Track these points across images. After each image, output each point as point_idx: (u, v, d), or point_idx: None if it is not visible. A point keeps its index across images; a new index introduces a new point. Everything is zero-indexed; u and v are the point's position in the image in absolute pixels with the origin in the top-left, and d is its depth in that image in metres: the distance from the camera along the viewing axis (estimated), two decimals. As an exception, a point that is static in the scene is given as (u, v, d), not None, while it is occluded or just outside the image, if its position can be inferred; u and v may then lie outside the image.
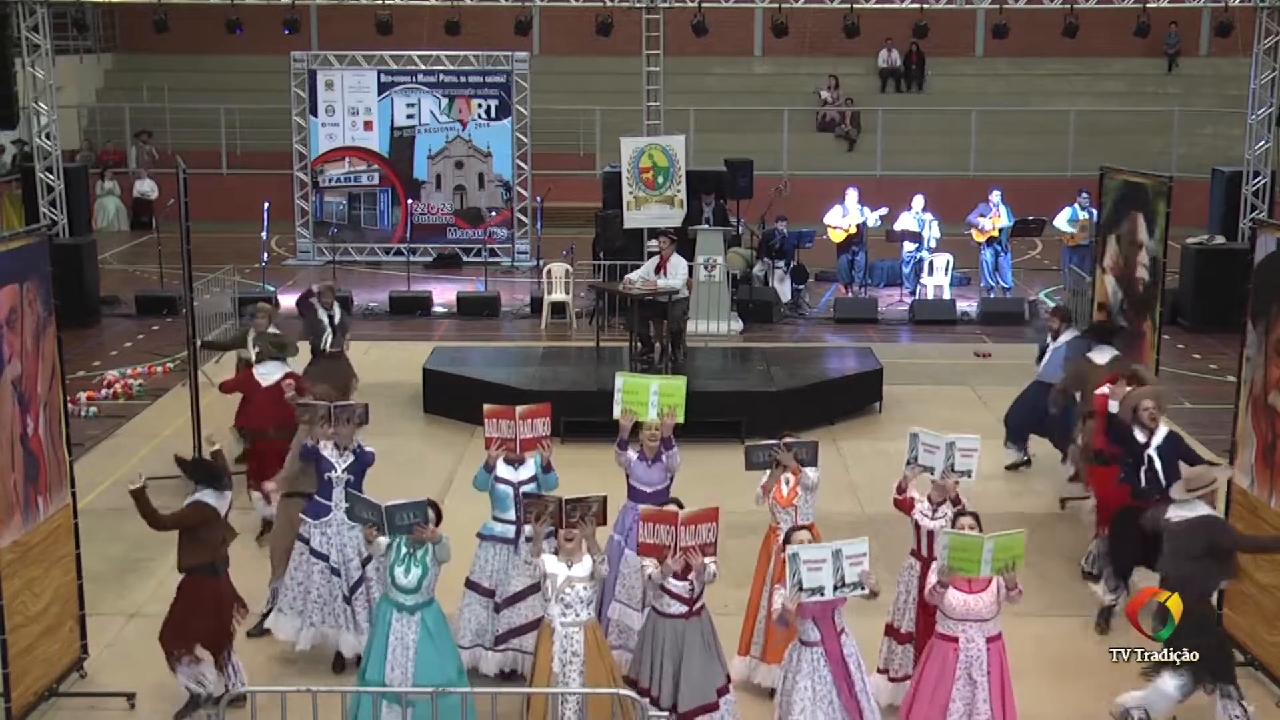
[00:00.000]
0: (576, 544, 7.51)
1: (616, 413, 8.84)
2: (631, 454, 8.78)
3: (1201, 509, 8.17)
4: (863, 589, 7.21)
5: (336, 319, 13.16)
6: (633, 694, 7.28)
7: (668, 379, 9.00)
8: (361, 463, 9.10)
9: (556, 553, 7.62)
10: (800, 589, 7.16)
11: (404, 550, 7.69)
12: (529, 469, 8.77)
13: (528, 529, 8.17)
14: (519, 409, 8.72)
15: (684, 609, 7.56)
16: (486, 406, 8.90)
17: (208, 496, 8.32)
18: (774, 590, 7.64)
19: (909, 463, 8.50)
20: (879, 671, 8.50)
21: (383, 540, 7.73)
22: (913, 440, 8.57)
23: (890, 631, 8.51)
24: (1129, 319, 11.85)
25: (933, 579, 7.43)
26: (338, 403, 9.28)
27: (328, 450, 9.05)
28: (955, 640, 7.38)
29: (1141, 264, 11.64)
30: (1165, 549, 8.21)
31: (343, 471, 9.00)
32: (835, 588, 7.17)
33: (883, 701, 8.35)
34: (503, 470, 8.75)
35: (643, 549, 7.68)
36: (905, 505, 8.35)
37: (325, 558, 9.01)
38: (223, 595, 8.40)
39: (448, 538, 7.76)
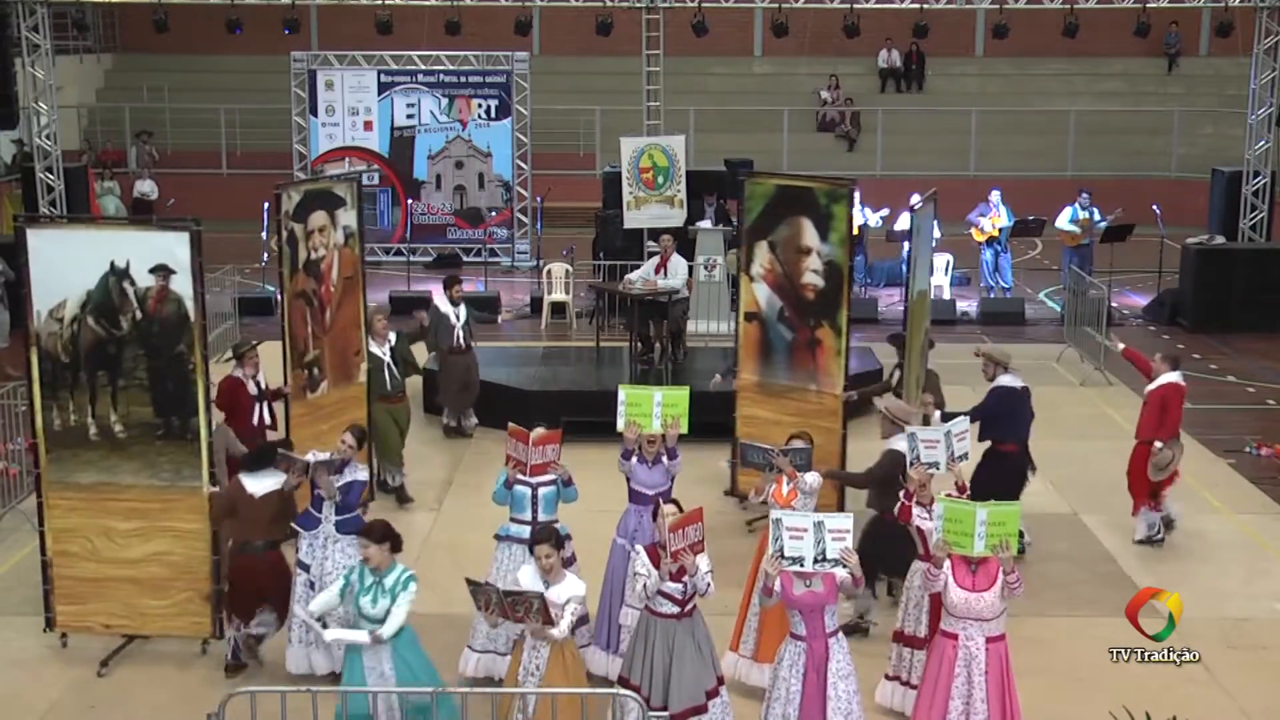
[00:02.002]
0: (555, 565, 7.40)
1: (620, 425, 8.85)
2: (633, 458, 8.80)
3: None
4: (843, 567, 7.19)
5: (462, 316, 13.75)
6: (632, 695, 7.27)
7: (671, 390, 9.02)
8: (349, 494, 8.87)
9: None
10: (781, 555, 7.17)
11: (369, 579, 7.54)
12: (549, 473, 8.72)
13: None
14: (534, 434, 8.62)
15: (676, 609, 7.56)
16: (510, 426, 8.82)
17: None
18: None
19: (912, 463, 8.49)
20: (889, 678, 8.47)
21: (335, 590, 7.65)
22: (912, 440, 8.57)
23: (900, 637, 8.47)
24: (793, 327, 11.52)
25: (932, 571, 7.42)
26: (317, 458, 8.95)
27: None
28: (955, 637, 7.38)
29: (811, 270, 11.31)
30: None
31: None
32: (815, 560, 7.16)
33: (897, 707, 8.33)
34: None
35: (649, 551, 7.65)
36: (904, 515, 8.29)
37: (306, 568, 8.90)
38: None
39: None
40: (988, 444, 10.60)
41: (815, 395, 11.32)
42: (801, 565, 7.17)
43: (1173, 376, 11.23)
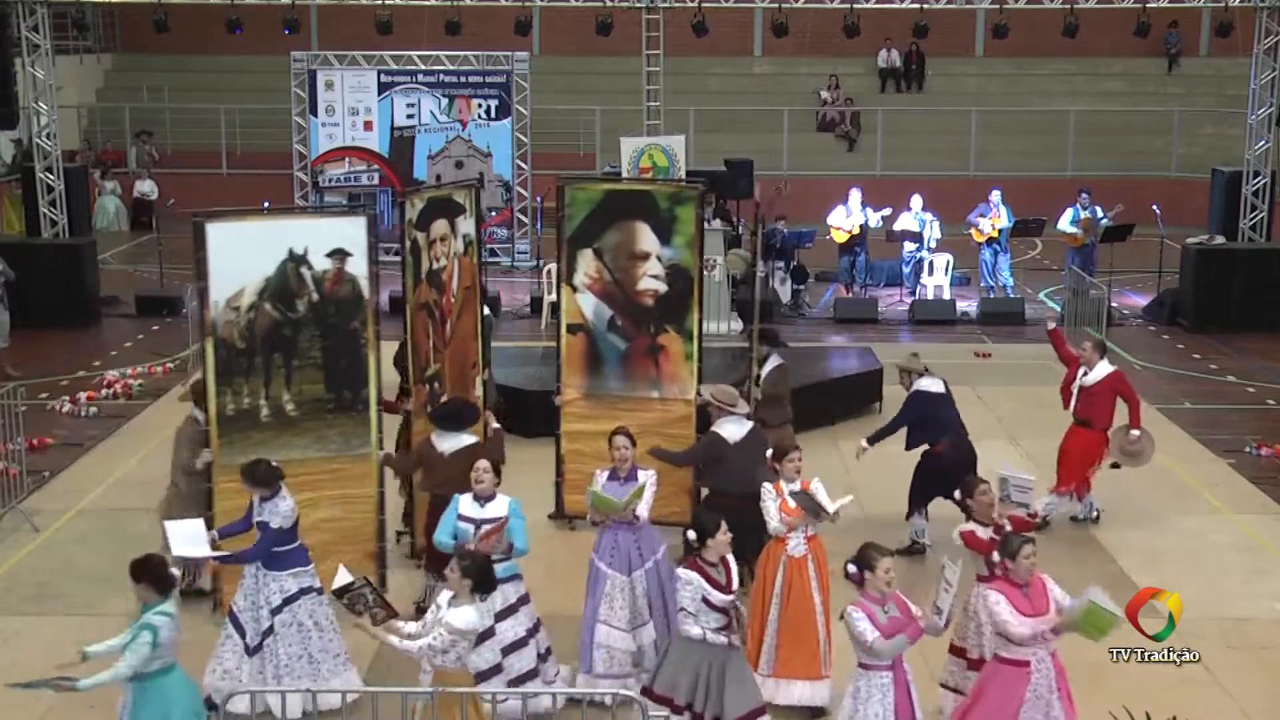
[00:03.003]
0: (455, 587, 7.10)
1: (589, 514, 8.77)
2: (602, 474, 8.73)
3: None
4: (942, 612, 7.18)
5: None
6: (633, 694, 7.26)
7: (632, 491, 8.72)
8: (261, 537, 8.44)
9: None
10: (936, 608, 7.14)
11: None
12: (495, 509, 8.28)
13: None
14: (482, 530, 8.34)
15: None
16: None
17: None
18: (843, 612, 7.27)
19: (1003, 499, 8.44)
20: (947, 688, 8.31)
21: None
22: (1004, 483, 8.64)
23: (959, 652, 8.29)
24: (628, 335, 10.98)
25: (1019, 626, 7.12)
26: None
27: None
28: (1025, 664, 7.20)
29: (649, 275, 10.82)
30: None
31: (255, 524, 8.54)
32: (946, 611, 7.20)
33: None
34: (467, 508, 8.34)
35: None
36: (984, 546, 8.11)
37: (243, 632, 8.54)
38: None
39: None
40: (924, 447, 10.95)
41: (660, 404, 10.86)
42: (940, 616, 7.15)
43: (1110, 365, 11.55)
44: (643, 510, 8.55)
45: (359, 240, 9.48)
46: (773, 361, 11.29)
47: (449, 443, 9.32)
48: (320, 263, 9.39)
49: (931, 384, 10.92)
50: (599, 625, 8.47)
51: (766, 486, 8.67)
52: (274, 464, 8.56)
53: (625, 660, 8.43)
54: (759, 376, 11.09)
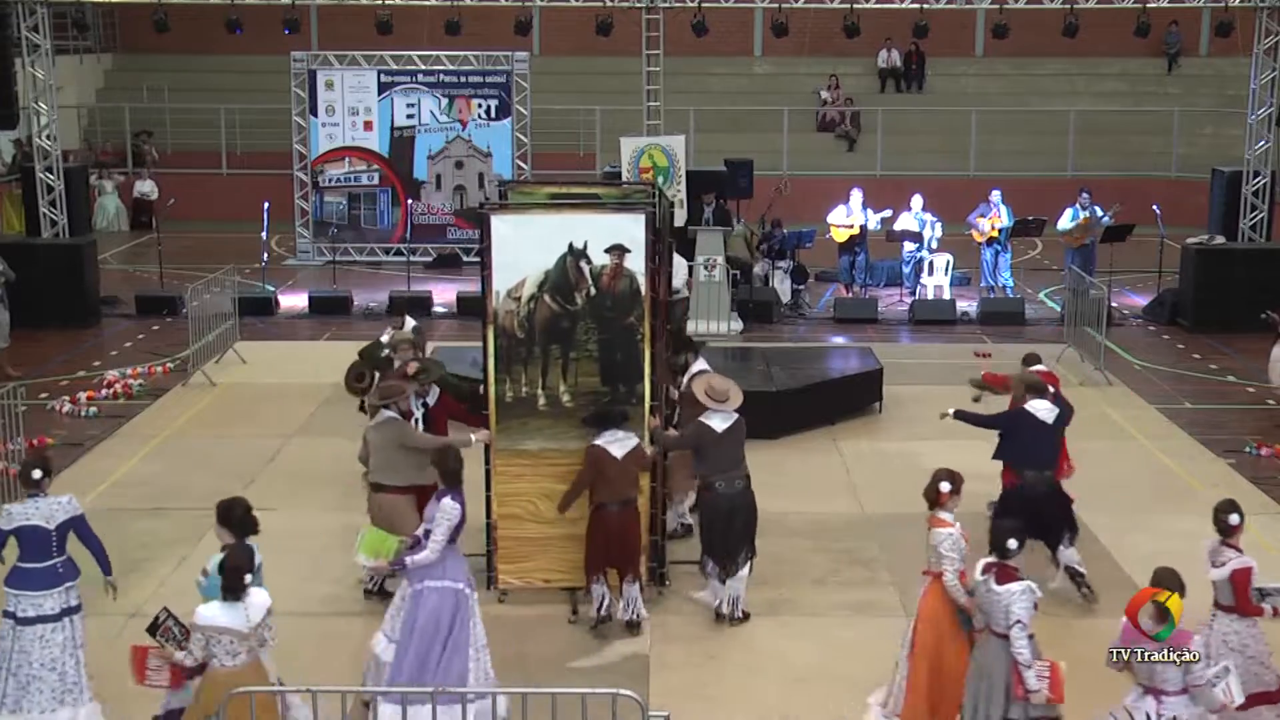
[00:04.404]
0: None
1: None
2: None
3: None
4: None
5: None
6: (634, 695, 7.25)
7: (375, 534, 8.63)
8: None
9: None
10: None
11: None
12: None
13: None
14: None
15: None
16: None
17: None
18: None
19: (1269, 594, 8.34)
20: None
21: None
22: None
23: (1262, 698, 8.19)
24: None
25: None
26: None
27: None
28: None
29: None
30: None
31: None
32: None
33: None
34: None
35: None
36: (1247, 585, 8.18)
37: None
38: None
39: None
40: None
41: None
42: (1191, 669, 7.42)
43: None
44: (425, 557, 8.12)
45: (637, 236, 9.60)
46: (697, 366, 11.06)
47: (618, 445, 9.38)
48: (599, 257, 9.56)
49: (1045, 410, 10.17)
50: (379, 634, 8.36)
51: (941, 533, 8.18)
52: (41, 459, 8.32)
53: (384, 671, 8.20)
54: (680, 383, 10.89)
